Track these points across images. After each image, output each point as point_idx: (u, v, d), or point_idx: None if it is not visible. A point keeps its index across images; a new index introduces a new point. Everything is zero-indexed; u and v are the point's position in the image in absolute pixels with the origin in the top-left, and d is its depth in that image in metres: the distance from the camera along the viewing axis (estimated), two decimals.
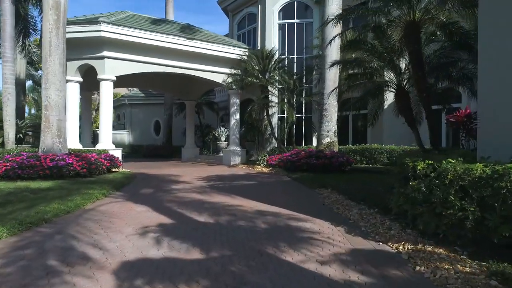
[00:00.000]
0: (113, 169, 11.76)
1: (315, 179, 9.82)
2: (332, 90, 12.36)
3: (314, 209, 6.18)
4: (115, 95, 34.54)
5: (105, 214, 5.65)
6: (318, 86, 15.40)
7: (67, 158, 9.10)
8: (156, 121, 28.35)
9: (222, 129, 20.64)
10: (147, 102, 28.20)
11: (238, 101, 16.83)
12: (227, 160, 16.48)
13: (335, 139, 12.65)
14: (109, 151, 12.96)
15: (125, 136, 28.83)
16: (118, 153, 13.02)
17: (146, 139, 27.62)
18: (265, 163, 14.47)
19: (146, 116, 28.40)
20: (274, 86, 15.68)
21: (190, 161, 19.82)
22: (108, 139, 13.31)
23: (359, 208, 5.98)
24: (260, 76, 15.30)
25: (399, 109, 9.03)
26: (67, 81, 13.45)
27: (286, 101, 13.91)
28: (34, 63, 27.52)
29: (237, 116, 16.75)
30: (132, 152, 26.31)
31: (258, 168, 14.14)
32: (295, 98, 14.68)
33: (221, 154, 20.42)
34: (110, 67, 13.35)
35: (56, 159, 9.06)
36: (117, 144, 28.36)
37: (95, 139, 27.06)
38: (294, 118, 13.55)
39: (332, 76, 12.48)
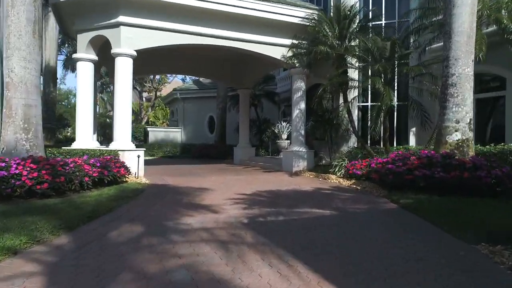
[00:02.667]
0: (122, 179, 8.08)
1: (455, 212, 4.95)
2: (467, 50, 7.17)
3: None
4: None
5: None
6: (423, 56, 10.11)
7: (15, 164, 5.50)
8: (210, 117, 25.01)
9: (284, 124, 16.20)
10: (200, 96, 24.97)
11: (303, 86, 12.24)
12: (288, 164, 12.02)
13: (471, 135, 7.39)
14: (126, 152, 9.41)
15: (178, 135, 26.04)
16: (133, 156, 9.40)
17: (199, 137, 24.42)
18: (343, 171, 9.71)
19: (200, 111, 25.23)
20: (356, 58, 10.74)
21: (242, 164, 15.77)
22: (125, 136, 9.76)
23: None
24: (336, 44, 10.52)
25: None
26: (77, 59, 10.28)
27: (381, 74, 8.87)
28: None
29: (302, 106, 12.18)
30: (183, 153, 23.27)
31: (333, 180, 9.42)
32: (393, 71, 9.47)
33: (281, 156, 16.04)
34: (128, 38, 9.79)
35: None
36: (170, 143, 25.87)
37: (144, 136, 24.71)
38: (393, 102, 8.49)
39: (467, 26, 7.25)
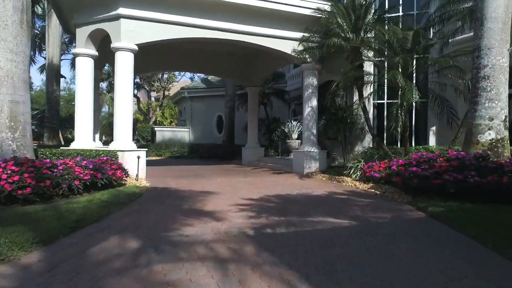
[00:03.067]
0: (120, 182, 7.49)
1: (498, 224, 4.21)
2: (501, 38, 6.36)
3: None
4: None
5: None
6: (446, 49, 9.27)
7: None
8: (219, 116, 24.41)
9: (294, 123, 15.49)
10: (208, 94, 24.39)
11: (315, 82, 11.50)
12: (299, 165, 11.30)
13: (506, 133, 6.57)
14: (126, 152, 8.85)
15: (186, 134, 25.52)
16: (133, 157, 8.82)
17: (207, 137, 23.85)
18: (358, 173, 8.95)
19: (208, 111, 24.65)
20: (373, 50, 9.96)
21: (250, 165, 15.11)
22: (126, 135, 9.19)
23: None
24: (351, 36, 9.76)
25: None
26: (76, 54, 9.77)
27: (401, 68, 8.07)
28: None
29: (314, 103, 11.43)
30: (191, 153, 22.72)
31: (348, 183, 8.68)
32: (413, 65, 8.66)
33: (291, 156, 15.34)
34: (128, 31, 9.22)
35: None
36: (178, 143, 25.31)
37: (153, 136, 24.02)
38: (416, 97, 7.64)
39: (501, 11, 6.44)
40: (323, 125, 12.70)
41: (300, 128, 15.57)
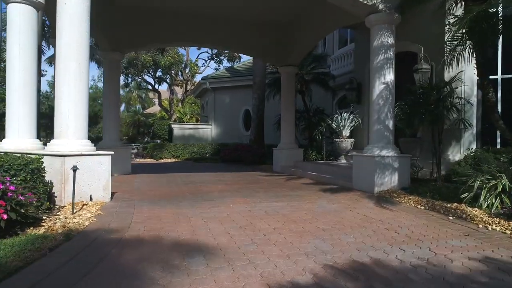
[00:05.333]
0: (41, 217, 3.68)
1: None
2: None
3: None
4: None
5: None
6: None
7: None
8: (246, 111, 20.45)
9: (345, 115, 11.23)
10: (234, 85, 20.46)
11: (391, 41, 7.08)
12: (365, 178, 6.97)
13: None
14: (74, 158, 5.05)
15: (208, 132, 21.81)
16: (93, 164, 4.94)
17: (233, 135, 19.97)
18: (495, 202, 4.57)
19: (233, 104, 20.75)
20: None
21: (284, 172, 10.99)
22: (73, 129, 5.36)
23: None
24: None
25: None
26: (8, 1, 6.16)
27: None
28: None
29: (389, 77, 7.04)
30: (213, 154, 18.98)
31: (484, 221, 4.31)
32: None
33: (342, 161, 11.07)
34: None
35: None
36: (197, 143, 21.43)
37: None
38: None
39: None
40: (397, 116, 8.27)
41: (353, 123, 11.29)
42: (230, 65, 24.71)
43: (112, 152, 5.78)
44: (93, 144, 5.66)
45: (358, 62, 12.16)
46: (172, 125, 21.43)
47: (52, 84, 39.47)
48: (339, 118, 11.37)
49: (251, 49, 12.22)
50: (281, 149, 11.84)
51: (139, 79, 29.31)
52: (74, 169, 4.58)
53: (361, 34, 11.11)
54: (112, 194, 5.75)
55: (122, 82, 24.58)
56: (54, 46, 7.16)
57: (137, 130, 39.87)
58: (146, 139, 33.51)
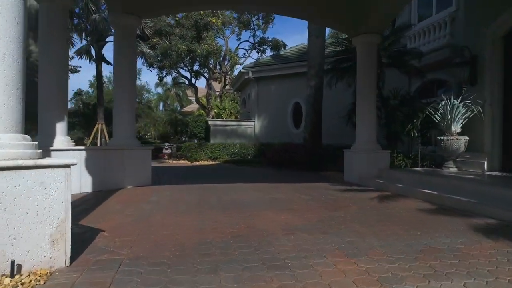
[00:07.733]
0: None
1: None
2: None
3: None
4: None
5: None
6: None
7: None
8: (296, 104, 17.10)
9: (456, 102, 7.64)
10: (282, 73, 17.12)
11: None
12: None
13: None
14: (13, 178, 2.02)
15: (250, 130, 18.75)
16: (25, 183, 1.96)
17: (279, 133, 16.73)
18: None
19: (280, 97, 17.47)
20: None
21: (367, 186, 7.51)
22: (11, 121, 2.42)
23: None
24: None
25: None
26: None
27: None
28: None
29: None
30: (256, 155, 15.91)
31: None
32: None
33: (451, 168, 7.52)
34: None
35: None
36: (238, 142, 18.10)
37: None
38: None
39: None
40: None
41: (469, 114, 7.72)
42: (276, 53, 21.50)
43: (75, 161, 2.75)
44: (35, 143, 2.68)
45: (467, 28, 8.46)
46: (210, 122, 18.62)
47: None
48: (446, 108, 7.79)
49: (309, 4, 8.67)
50: (357, 151, 8.37)
51: (175, 74, 27.00)
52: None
53: None
54: (93, 233, 2.74)
55: (156, 76, 22.12)
56: None
57: (175, 129, 37.96)
58: (183, 138, 31.23)
